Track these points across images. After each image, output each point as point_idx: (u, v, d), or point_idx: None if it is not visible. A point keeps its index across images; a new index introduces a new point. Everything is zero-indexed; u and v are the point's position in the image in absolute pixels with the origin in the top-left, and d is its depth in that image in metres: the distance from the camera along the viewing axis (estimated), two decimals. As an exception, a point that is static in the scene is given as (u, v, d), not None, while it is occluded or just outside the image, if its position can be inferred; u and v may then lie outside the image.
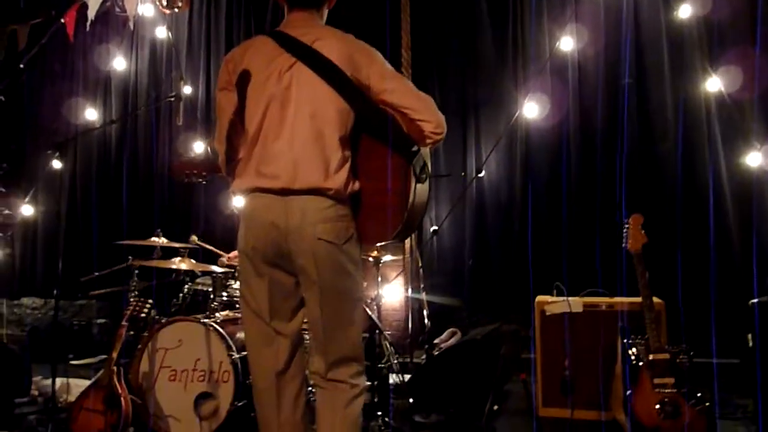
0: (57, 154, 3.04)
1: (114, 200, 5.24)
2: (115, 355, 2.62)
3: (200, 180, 2.28)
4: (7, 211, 4.71)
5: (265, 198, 1.67)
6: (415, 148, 1.65)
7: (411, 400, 3.09)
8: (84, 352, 4.48)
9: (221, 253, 3.35)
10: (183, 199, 5.03)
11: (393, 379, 3.22)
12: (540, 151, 4.25)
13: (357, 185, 1.70)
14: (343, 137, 1.69)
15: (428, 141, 1.64)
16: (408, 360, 3.63)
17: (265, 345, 1.74)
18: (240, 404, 2.68)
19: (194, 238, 3.32)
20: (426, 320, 3.25)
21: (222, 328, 2.76)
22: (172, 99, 3.11)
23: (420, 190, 1.68)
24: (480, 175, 4.25)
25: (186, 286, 3.25)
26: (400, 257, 4.48)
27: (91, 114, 5.07)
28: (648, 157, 3.98)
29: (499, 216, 4.42)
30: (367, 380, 2.01)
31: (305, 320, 1.77)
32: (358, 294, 1.74)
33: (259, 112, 1.69)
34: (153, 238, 3.16)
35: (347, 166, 1.68)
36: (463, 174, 4.34)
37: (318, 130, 1.66)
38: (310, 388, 1.85)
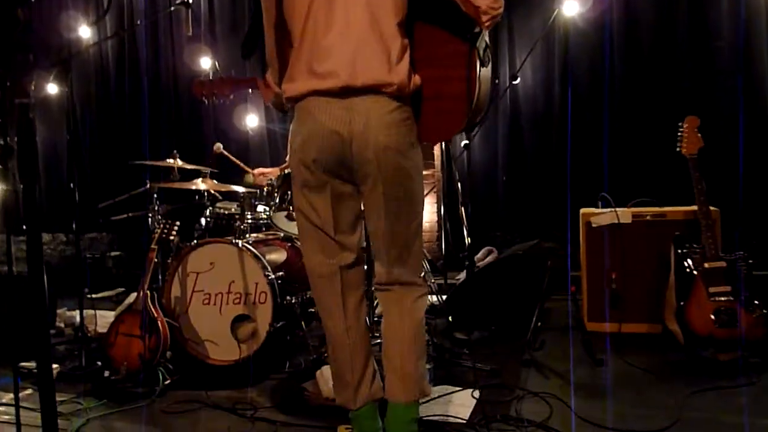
0: (53, 75, 2.99)
1: (118, 123, 5.26)
2: (147, 279, 2.70)
3: (223, 99, 2.29)
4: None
5: (323, 102, 1.65)
6: (477, 29, 1.62)
7: (450, 319, 3.20)
8: (100, 286, 4.65)
9: (247, 168, 3.40)
10: (193, 117, 5.05)
11: (430, 299, 3.32)
12: (581, 53, 4.16)
13: (418, 79, 1.69)
14: (401, 23, 1.66)
15: (485, 18, 1.60)
16: (443, 281, 3.73)
17: (329, 258, 1.78)
18: (279, 325, 2.77)
19: (218, 146, 3.37)
20: (466, 237, 3.30)
21: (255, 248, 2.83)
22: (180, 5, 3.04)
23: (485, 75, 1.67)
24: (515, 82, 4.19)
25: (208, 209, 3.29)
26: (431, 171, 4.56)
27: (85, 31, 4.97)
28: (702, 55, 3.87)
29: (535, 126, 4.40)
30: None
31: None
32: (420, 198, 1.78)
33: (304, 2, 1.66)
34: (170, 159, 3.19)
35: (407, 56, 1.66)
36: (496, 81, 4.28)
37: (373, 15, 1.63)
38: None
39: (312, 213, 1.76)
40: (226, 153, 3.37)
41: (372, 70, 1.62)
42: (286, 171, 3.13)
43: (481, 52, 1.63)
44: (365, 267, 1.94)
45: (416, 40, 1.70)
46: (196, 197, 3.29)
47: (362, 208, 1.79)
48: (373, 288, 1.86)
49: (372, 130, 1.63)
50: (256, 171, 3.45)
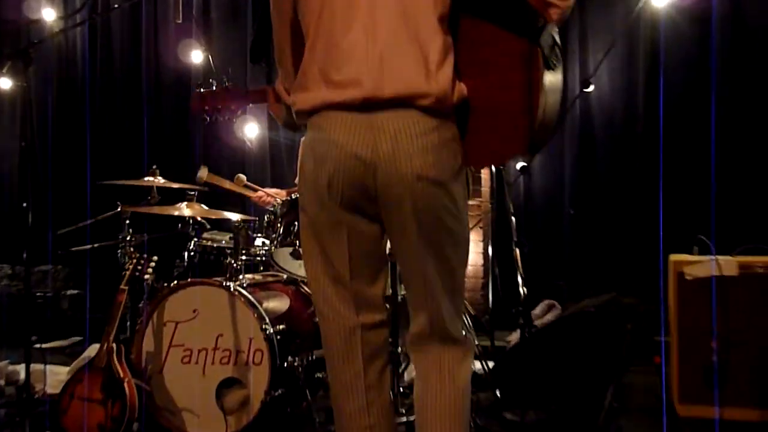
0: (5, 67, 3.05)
1: (85, 131, 5.36)
2: (113, 329, 2.73)
3: (230, 116, 2.34)
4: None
5: (341, 117, 1.65)
6: (540, 22, 1.60)
7: (498, 394, 3.17)
8: (52, 334, 4.68)
9: (254, 187, 3.45)
10: (178, 125, 5.16)
11: (474, 366, 3.29)
12: (674, 54, 4.14)
13: (464, 88, 1.68)
14: (442, 17, 1.65)
15: (554, 11, 1.60)
16: (491, 343, 3.70)
17: (347, 313, 1.78)
18: (277, 393, 2.77)
19: (202, 175, 3.44)
20: (521, 287, 3.28)
21: (251, 293, 2.85)
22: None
23: (551, 81, 1.62)
24: (587, 90, 4.19)
25: (193, 241, 3.35)
26: (477, 201, 4.58)
27: (48, 14, 5.12)
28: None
29: (612, 146, 4.40)
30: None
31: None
32: (466, 237, 1.79)
33: None
34: (148, 178, 3.26)
35: (450, 59, 1.65)
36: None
37: (406, 8, 1.63)
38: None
39: (324, 258, 1.78)
40: (214, 181, 3.45)
41: (404, 77, 1.62)
42: (293, 196, 3.17)
43: (547, 52, 1.60)
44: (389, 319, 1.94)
45: (462, 38, 1.70)
46: (179, 225, 3.34)
47: (388, 248, 1.81)
48: (399, 349, 1.85)
49: (403, 155, 1.64)
50: (260, 193, 3.50)
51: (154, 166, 3.30)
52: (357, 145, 1.64)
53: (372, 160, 1.64)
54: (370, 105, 1.62)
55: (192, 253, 3.32)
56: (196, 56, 4.75)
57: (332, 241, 1.75)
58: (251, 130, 4.99)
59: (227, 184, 3.62)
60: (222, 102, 2.29)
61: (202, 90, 2.28)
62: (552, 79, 1.63)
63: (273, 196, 3.67)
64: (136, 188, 3.31)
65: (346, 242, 1.74)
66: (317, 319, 1.85)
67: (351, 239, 1.74)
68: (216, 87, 2.31)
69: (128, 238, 3.17)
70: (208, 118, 2.32)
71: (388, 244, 1.83)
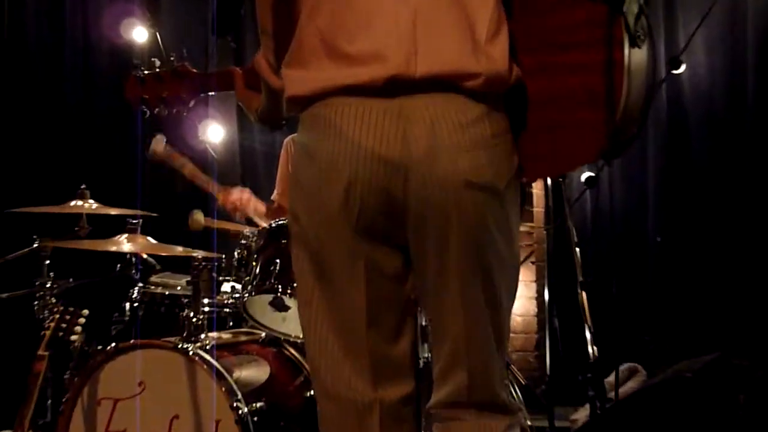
0: None
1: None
2: (29, 410, 2.73)
3: (179, 110, 2.35)
4: None
5: (357, 105, 1.68)
6: None
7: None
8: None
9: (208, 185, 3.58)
10: (114, 128, 5.16)
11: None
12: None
13: (519, 70, 1.72)
14: None
15: None
16: (549, 423, 3.67)
17: (360, 384, 1.79)
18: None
19: (157, 146, 3.49)
20: (590, 345, 3.28)
21: (217, 359, 2.87)
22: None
23: (637, 61, 1.65)
24: (676, 71, 4.20)
25: (137, 287, 3.39)
26: (527, 226, 4.60)
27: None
28: None
29: (712, 146, 4.41)
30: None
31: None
32: (516, 261, 1.83)
33: None
34: (75, 202, 3.30)
35: (505, 29, 1.69)
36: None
37: None
38: None
39: (328, 305, 1.79)
40: (173, 160, 3.49)
41: (444, 50, 1.66)
42: (274, 224, 3.20)
43: (632, 22, 1.63)
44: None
45: (516, 4, 1.73)
46: (118, 266, 3.36)
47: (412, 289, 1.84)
48: (424, 418, 1.87)
49: (445, 152, 1.66)
50: (232, 196, 3.61)
51: (83, 186, 3.31)
52: (380, 141, 1.67)
53: (402, 162, 1.66)
54: (397, 87, 1.65)
55: (136, 305, 3.34)
56: (140, 33, 4.80)
57: (343, 280, 1.76)
58: (215, 132, 5.03)
59: (187, 167, 3.68)
60: (168, 89, 2.27)
61: (140, 72, 2.30)
62: (639, 57, 1.65)
63: (242, 205, 3.74)
64: (59, 217, 3.33)
65: (364, 281, 1.75)
66: (312, 393, 1.85)
67: (370, 276, 1.75)
68: (160, 68, 2.32)
69: (48, 285, 3.15)
70: (147, 111, 2.34)
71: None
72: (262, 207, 3.81)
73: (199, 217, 3.50)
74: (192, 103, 2.33)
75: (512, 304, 1.86)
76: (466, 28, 1.66)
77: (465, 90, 1.66)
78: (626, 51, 1.62)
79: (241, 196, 3.77)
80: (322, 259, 1.77)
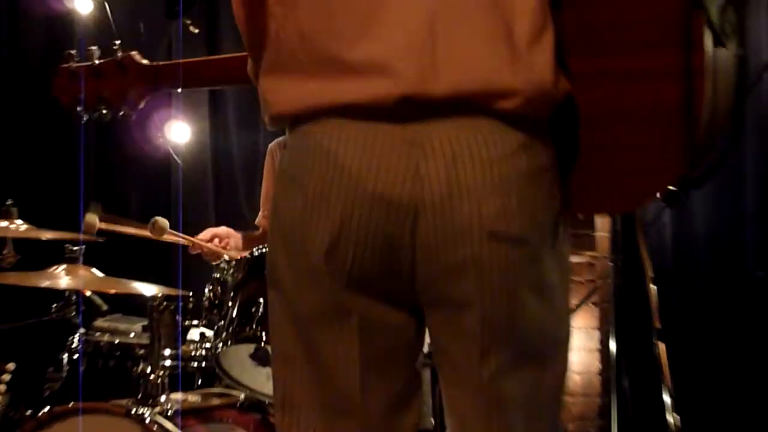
0: None
1: None
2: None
3: (128, 112, 2.33)
4: None
5: (357, 129, 1.69)
6: None
7: None
8: None
9: (186, 239, 3.53)
10: (55, 135, 5.20)
11: None
12: None
13: (567, 84, 1.73)
14: None
15: None
16: None
17: None
18: None
19: (92, 221, 3.43)
20: (670, 412, 3.27)
21: (183, 428, 2.87)
22: None
23: (723, 62, 1.67)
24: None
25: (78, 334, 3.40)
26: (587, 257, 4.60)
27: None
28: None
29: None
30: None
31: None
32: (562, 334, 1.83)
33: None
34: None
35: (551, 32, 1.69)
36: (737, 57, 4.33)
37: None
38: None
39: (313, 369, 1.80)
40: (115, 227, 3.44)
41: (471, 60, 1.65)
42: (256, 251, 3.18)
43: (715, 15, 1.64)
44: None
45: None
46: (54, 306, 3.36)
47: (427, 346, 1.85)
48: None
49: (466, 194, 1.66)
50: (203, 235, 3.54)
51: (9, 202, 3.31)
52: (385, 177, 1.66)
53: (410, 205, 1.66)
54: (410, 109, 1.64)
55: (76, 356, 3.35)
56: (83, 3, 4.81)
57: (331, 339, 1.77)
58: (180, 132, 5.01)
59: (136, 232, 3.64)
60: (110, 86, 2.28)
61: (73, 64, 2.29)
62: (724, 59, 1.66)
63: (218, 249, 3.69)
64: None
65: (357, 341, 1.75)
66: None
67: (365, 336, 1.75)
68: (100, 59, 2.31)
69: None
70: (84, 114, 2.32)
71: (426, 339, 1.85)
72: (240, 241, 3.84)
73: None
74: (142, 104, 2.32)
75: (561, 379, 1.85)
76: (499, 30, 1.66)
77: (498, 113, 1.65)
78: (709, 51, 1.63)
79: (216, 234, 3.79)
80: (307, 316, 1.78)
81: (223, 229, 3.84)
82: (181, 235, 3.65)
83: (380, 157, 1.66)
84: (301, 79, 1.72)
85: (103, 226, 3.41)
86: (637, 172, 1.72)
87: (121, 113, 2.32)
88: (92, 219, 3.34)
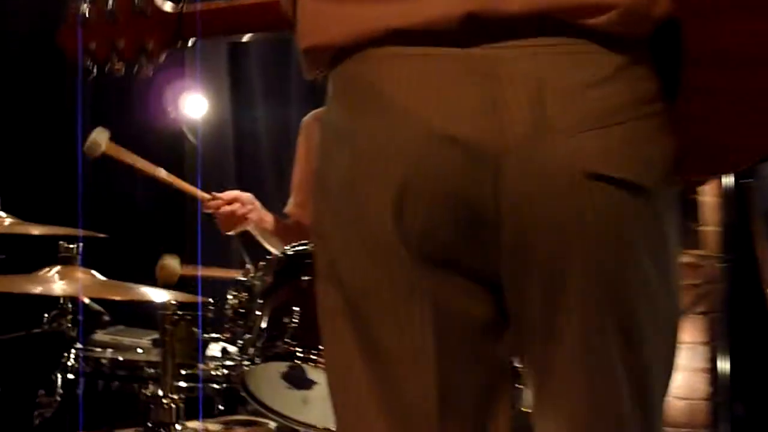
0: None
1: None
2: None
3: (141, 66, 2.32)
4: None
5: (414, 60, 1.69)
6: None
7: None
8: None
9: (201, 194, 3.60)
10: (46, 109, 5.25)
11: None
12: None
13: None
14: None
15: None
16: None
17: None
18: None
19: (99, 138, 3.47)
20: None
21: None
22: None
23: None
24: None
25: (73, 348, 3.43)
26: (692, 256, 4.56)
27: None
28: None
29: None
30: None
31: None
32: (675, 308, 1.83)
33: None
34: None
35: None
36: None
37: None
38: None
39: (375, 372, 1.78)
40: (122, 156, 3.45)
41: None
42: (289, 250, 3.16)
43: None
44: None
45: None
46: (45, 317, 3.37)
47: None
48: None
49: (555, 130, 1.65)
50: (224, 195, 3.63)
51: None
52: (456, 117, 1.65)
53: (490, 148, 1.65)
54: (480, 30, 1.64)
55: (73, 377, 3.36)
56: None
57: (397, 331, 1.75)
58: (195, 106, 5.02)
59: (147, 168, 3.73)
60: (127, 33, 2.29)
61: (83, 9, 2.28)
62: None
63: (237, 211, 3.76)
64: None
65: (431, 329, 1.73)
66: None
67: (440, 322, 1.74)
68: (113, 3, 2.30)
69: None
70: (93, 67, 2.31)
71: None
72: (269, 220, 3.85)
73: (171, 264, 3.45)
74: (162, 57, 2.31)
75: (669, 380, 1.84)
76: None
77: (588, 31, 1.65)
78: None
79: (238, 198, 3.79)
80: (364, 305, 1.77)
81: (247, 196, 3.89)
82: (190, 187, 3.67)
83: (447, 91, 1.66)
84: (345, 2, 1.73)
85: (111, 151, 3.42)
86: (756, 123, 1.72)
87: (136, 68, 2.30)
88: (99, 138, 3.37)
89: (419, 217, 1.68)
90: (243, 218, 3.77)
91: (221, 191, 4.40)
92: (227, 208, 3.78)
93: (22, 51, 5.39)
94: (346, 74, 1.74)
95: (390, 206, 1.68)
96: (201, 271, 3.64)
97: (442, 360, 1.74)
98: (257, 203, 3.85)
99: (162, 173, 3.68)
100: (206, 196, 3.77)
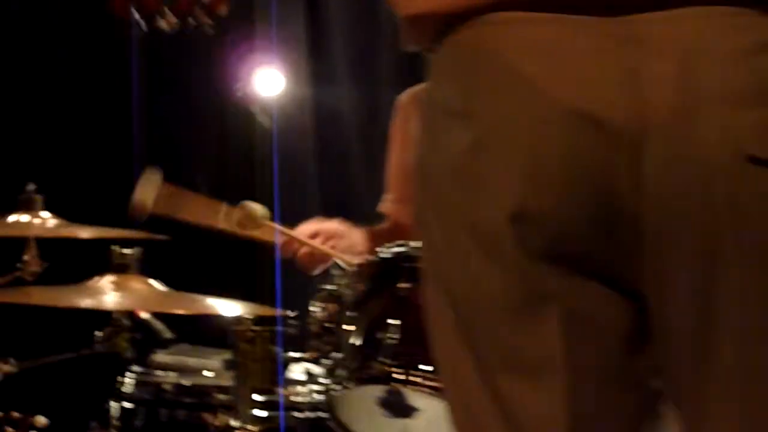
0: None
1: None
2: None
3: (199, 17, 2.34)
4: None
5: (542, 27, 1.72)
6: None
7: None
8: None
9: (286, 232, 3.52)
10: (99, 101, 5.29)
11: None
12: None
13: None
14: None
15: None
16: None
17: None
18: None
19: (147, 191, 3.46)
20: None
21: None
22: None
23: None
24: None
25: (131, 372, 3.44)
26: None
27: None
28: None
29: None
30: None
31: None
32: None
33: None
34: (17, 217, 3.38)
35: None
36: None
37: None
38: None
39: (503, 407, 1.78)
40: (180, 213, 3.46)
41: None
42: (384, 252, 3.15)
43: None
44: None
45: None
46: (97, 335, 3.37)
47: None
48: None
49: (708, 105, 1.66)
50: (301, 231, 3.58)
51: (31, 188, 3.36)
52: (591, 88, 1.68)
53: (631, 124, 1.67)
54: None
55: (130, 405, 3.39)
56: None
57: (519, 343, 1.77)
58: (268, 85, 5.04)
59: (208, 217, 3.65)
60: None
61: None
62: None
63: (325, 250, 3.69)
64: None
65: (561, 343, 1.74)
66: None
67: (571, 334, 1.75)
68: None
69: None
70: (144, 24, 2.34)
71: None
72: (360, 240, 3.82)
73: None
74: (223, 9, 2.32)
75: None
76: None
77: None
78: None
79: (319, 233, 3.76)
80: (478, 314, 1.79)
81: (331, 225, 3.85)
82: (276, 226, 3.66)
83: (580, 61, 1.69)
84: None
85: (159, 206, 3.41)
86: None
87: (193, 22, 2.32)
88: (145, 194, 3.35)
89: (548, 211, 1.70)
90: (324, 256, 3.74)
91: (299, 197, 4.41)
92: (305, 250, 3.76)
93: (68, 29, 5.45)
94: (460, 44, 1.76)
95: (513, 198, 1.70)
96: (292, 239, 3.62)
97: (574, 378, 1.75)
98: (342, 228, 3.81)
99: (229, 225, 3.65)
100: (283, 234, 3.68)
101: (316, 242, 3.71)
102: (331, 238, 3.76)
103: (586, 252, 1.73)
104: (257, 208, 3.39)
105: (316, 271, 3.57)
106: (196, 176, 5.19)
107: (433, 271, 1.83)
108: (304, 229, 3.75)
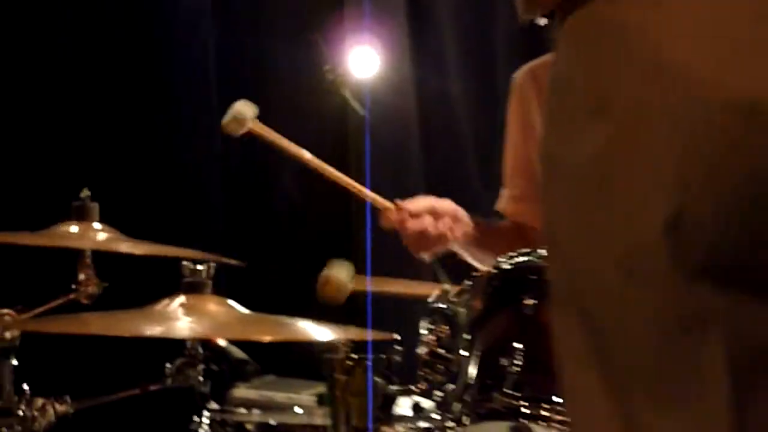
0: None
1: None
2: None
3: None
4: None
5: (689, 4, 1.69)
6: None
7: None
8: None
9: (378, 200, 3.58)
10: (158, 84, 5.34)
11: None
12: None
13: None
14: None
15: None
16: None
17: None
18: None
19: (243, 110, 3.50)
20: None
21: None
22: None
23: None
24: None
25: (208, 410, 3.47)
26: None
27: None
28: None
29: None
30: None
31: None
32: None
33: None
34: (68, 227, 3.39)
35: None
36: None
37: None
38: None
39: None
40: (272, 138, 3.50)
41: None
42: (504, 262, 3.15)
43: None
44: None
45: None
46: (168, 367, 3.41)
47: None
48: None
49: None
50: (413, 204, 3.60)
51: (85, 194, 3.40)
52: (754, 73, 1.65)
53: None
54: None
55: None
56: None
57: (671, 377, 1.72)
58: (362, 65, 5.06)
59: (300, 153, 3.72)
60: None
61: None
62: None
63: (437, 228, 3.72)
64: (35, 255, 3.46)
65: (724, 373, 1.68)
66: None
67: (735, 361, 1.68)
68: None
69: (23, 410, 3.25)
70: None
71: None
72: (473, 233, 3.82)
73: (341, 273, 3.39)
74: None
75: None
76: None
77: None
78: None
79: (432, 210, 3.78)
80: (619, 341, 1.76)
81: (446, 205, 3.88)
82: (362, 189, 3.65)
83: (739, 42, 1.65)
84: None
85: (255, 128, 3.44)
86: None
87: None
88: (244, 110, 3.42)
89: (708, 218, 1.65)
90: (440, 238, 3.77)
91: (403, 193, 4.42)
92: (416, 224, 3.77)
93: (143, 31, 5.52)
94: (595, 17, 1.73)
95: (667, 204, 1.65)
96: (381, 287, 3.63)
97: (744, 416, 1.73)
98: (460, 212, 3.81)
99: (326, 168, 3.69)
100: (385, 203, 3.71)
101: (427, 221, 3.75)
102: (445, 219, 3.82)
103: (742, 266, 1.67)
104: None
105: (428, 255, 3.57)
106: (280, 170, 5.24)
107: (564, 286, 1.79)
108: (418, 203, 3.78)
